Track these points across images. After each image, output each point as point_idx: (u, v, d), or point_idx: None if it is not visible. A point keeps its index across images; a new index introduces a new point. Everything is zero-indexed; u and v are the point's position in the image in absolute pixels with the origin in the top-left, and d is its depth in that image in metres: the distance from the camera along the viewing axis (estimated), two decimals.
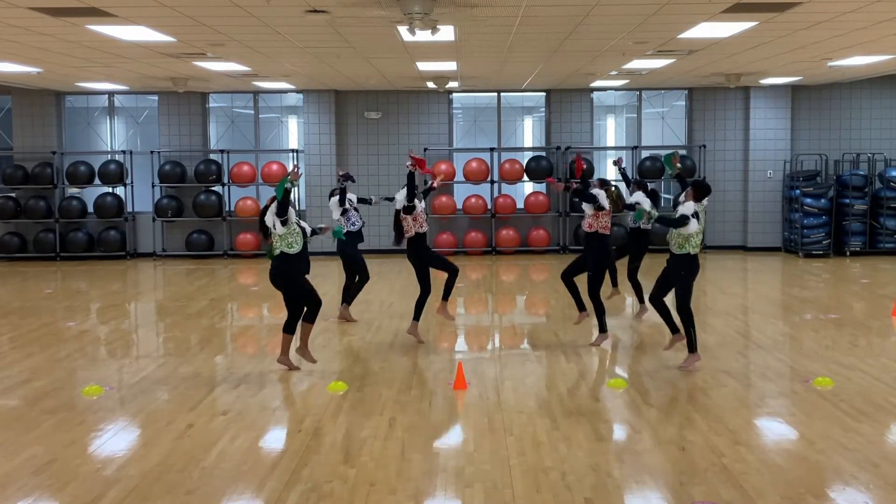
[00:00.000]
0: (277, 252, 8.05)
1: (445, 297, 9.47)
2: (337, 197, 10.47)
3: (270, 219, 8.01)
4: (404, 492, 5.33)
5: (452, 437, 6.50)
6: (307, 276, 8.26)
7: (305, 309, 8.22)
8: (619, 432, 6.60)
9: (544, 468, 5.69)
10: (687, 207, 7.97)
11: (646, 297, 10.83)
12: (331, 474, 5.63)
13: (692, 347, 8.16)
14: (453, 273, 9.32)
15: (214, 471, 5.72)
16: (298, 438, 6.39)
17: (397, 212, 9.23)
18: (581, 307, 9.58)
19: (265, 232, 8.14)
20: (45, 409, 7.18)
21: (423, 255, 9.28)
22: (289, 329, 8.23)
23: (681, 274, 8.07)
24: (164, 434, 6.49)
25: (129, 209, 18.19)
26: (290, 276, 8.11)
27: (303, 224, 8.30)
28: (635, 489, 5.36)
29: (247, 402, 7.38)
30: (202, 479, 5.58)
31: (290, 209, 8.00)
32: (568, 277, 9.53)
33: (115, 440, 6.42)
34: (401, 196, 9.18)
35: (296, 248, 8.06)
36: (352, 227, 10.46)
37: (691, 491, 5.28)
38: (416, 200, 9.13)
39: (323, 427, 6.63)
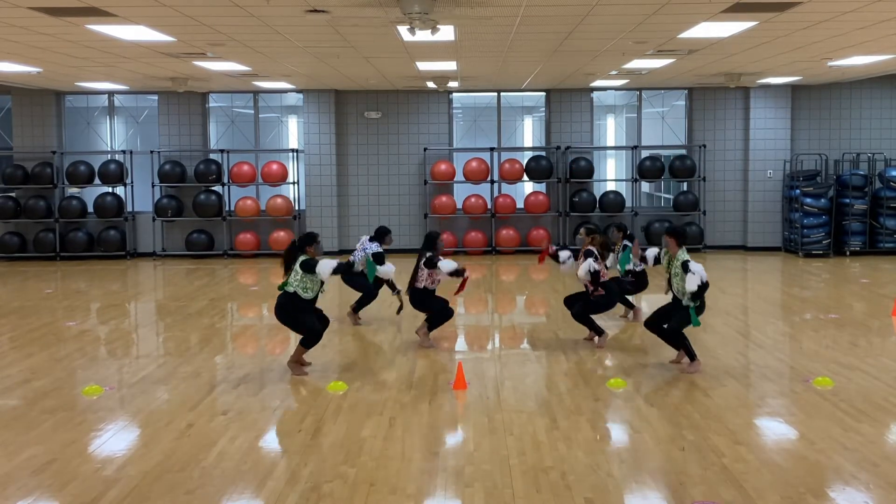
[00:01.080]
0: (291, 290, 8.06)
1: (430, 328, 9.49)
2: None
3: (325, 271, 7.95)
4: (404, 492, 5.33)
5: (452, 437, 6.50)
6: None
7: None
8: (619, 432, 6.61)
9: (544, 468, 5.69)
10: (697, 269, 7.95)
11: (635, 304, 10.93)
12: (331, 474, 5.63)
13: (692, 357, 8.23)
14: (447, 316, 9.40)
15: (214, 471, 5.72)
16: (298, 438, 6.39)
17: (420, 262, 9.27)
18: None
19: (288, 266, 8.12)
20: (45, 408, 7.18)
21: (427, 303, 9.37)
22: (305, 344, 8.29)
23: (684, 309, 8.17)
24: (164, 434, 6.49)
25: (129, 209, 18.18)
26: (292, 316, 8.16)
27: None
28: (635, 489, 5.36)
29: (247, 402, 7.38)
30: (202, 479, 5.58)
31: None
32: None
33: (115, 440, 6.42)
34: (444, 265, 9.16)
35: (309, 295, 8.10)
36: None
37: (691, 491, 5.28)
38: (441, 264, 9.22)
39: (323, 427, 6.63)
